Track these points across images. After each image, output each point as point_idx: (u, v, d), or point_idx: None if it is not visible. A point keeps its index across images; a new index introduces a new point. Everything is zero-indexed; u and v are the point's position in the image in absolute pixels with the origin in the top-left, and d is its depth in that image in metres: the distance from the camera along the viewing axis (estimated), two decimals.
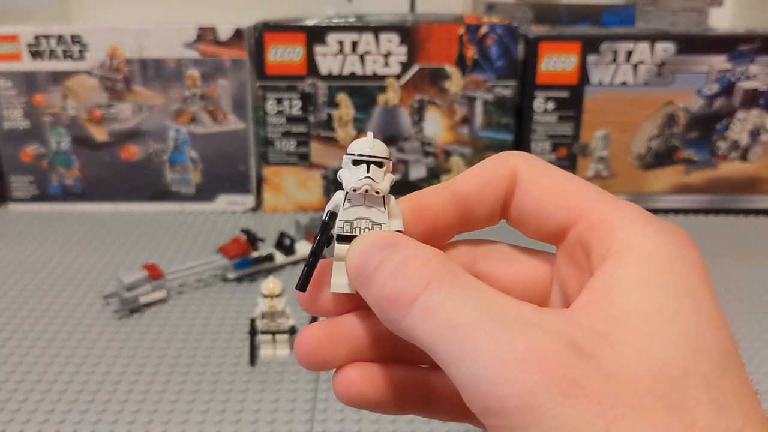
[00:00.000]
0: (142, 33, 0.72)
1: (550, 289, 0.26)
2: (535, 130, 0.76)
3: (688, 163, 0.77)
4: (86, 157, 0.76)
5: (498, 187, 0.25)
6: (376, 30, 0.72)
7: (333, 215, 0.24)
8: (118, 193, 0.77)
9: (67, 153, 0.76)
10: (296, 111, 0.75)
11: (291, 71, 0.73)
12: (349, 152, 0.24)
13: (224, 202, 0.78)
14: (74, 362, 0.50)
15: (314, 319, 0.50)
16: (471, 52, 0.73)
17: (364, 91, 0.74)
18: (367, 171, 0.24)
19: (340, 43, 0.72)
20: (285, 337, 0.51)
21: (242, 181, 0.77)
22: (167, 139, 0.76)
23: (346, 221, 0.24)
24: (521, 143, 0.77)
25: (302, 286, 0.24)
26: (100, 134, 0.76)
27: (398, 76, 0.74)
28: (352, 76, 0.74)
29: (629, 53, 0.73)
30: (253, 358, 0.50)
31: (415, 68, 0.74)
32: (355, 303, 0.24)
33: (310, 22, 0.73)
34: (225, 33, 0.73)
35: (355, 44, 0.73)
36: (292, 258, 0.64)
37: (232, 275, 0.61)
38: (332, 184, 0.77)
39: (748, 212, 0.79)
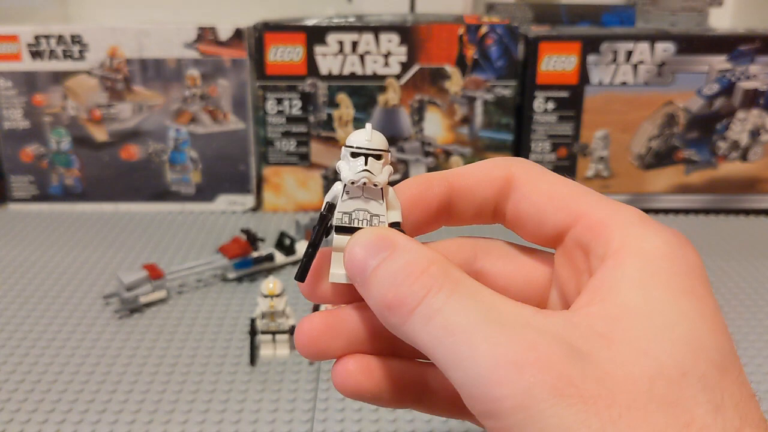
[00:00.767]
0: (142, 33, 0.72)
1: (549, 289, 0.26)
2: (535, 130, 0.76)
3: (688, 163, 0.77)
4: (86, 157, 0.76)
5: (489, 188, 0.25)
6: (376, 30, 0.72)
7: (331, 206, 0.24)
8: (118, 193, 0.77)
9: (67, 153, 0.76)
10: (296, 111, 0.75)
11: (291, 71, 0.73)
12: (347, 144, 0.24)
13: (224, 202, 0.78)
14: (74, 362, 0.50)
15: (317, 308, 0.50)
16: (471, 52, 0.73)
17: (364, 91, 0.74)
18: (365, 163, 0.24)
19: (340, 43, 0.72)
20: (285, 337, 0.51)
21: (242, 181, 0.77)
22: (167, 139, 0.76)
23: (345, 212, 0.24)
24: (521, 143, 0.77)
25: (301, 276, 0.25)
26: (100, 134, 0.76)
27: (398, 76, 0.74)
28: (352, 76, 0.74)
29: (629, 53, 0.73)
30: (253, 358, 0.50)
31: (415, 68, 0.74)
32: (354, 293, 0.24)
33: (310, 22, 0.73)
34: (225, 33, 0.73)
35: (355, 44, 0.73)
36: (292, 258, 0.64)
37: (232, 275, 0.61)
38: (332, 184, 0.77)
39: (748, 212, 0.79)
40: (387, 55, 0.73)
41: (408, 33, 0.72)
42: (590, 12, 0.88)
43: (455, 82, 0.74)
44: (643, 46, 0.73)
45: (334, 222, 0.24)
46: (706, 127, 0.76)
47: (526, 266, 0.26)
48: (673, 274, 0.21)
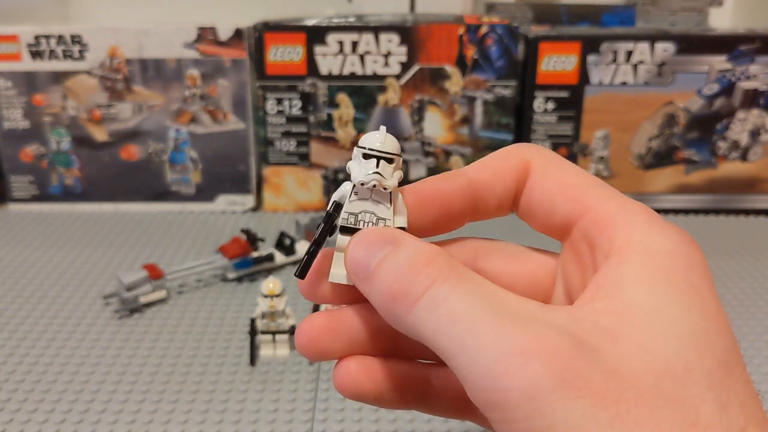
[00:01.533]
0: (142, 33, 0.72)
1: (553, 288, 0.26)
2: (535, 130, 0.76)
3: (688, 163, 0.77)
4: (86, 157, 0.76)
5: (509, 178, 0.25)
6: (376, 30, 0.72)
7: (338, 206, 0.24)
8: (118, 193, 0.77)
9: (67, 153, 0.76)
10: (296, 111, 0.75)
11: (291, 71, 0.73)
12: (360, 145, 0.24)
13: (224, 202, 0.78)
14: (74, 362, 0.50)
15: (317, 308, 0.50)
16: (471, 52, 0.73)
17: (364, 91, 0.74)
18: (377, 166, 0.23)
19: (340, 43, 0.72)
20: (285, 337, 0.51)
21: (242, 181, 0.77)
22: (167, 139, 0.76)
23: (351, 213, 0.24)
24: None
25: (301, 273, 0.24)
26: (100, 134, 0.76)
27: (398, 76, 0.74)
28: (352, 76, 0.74)
29: (629, 53, 0.73)
30: (253, 358, 0.50)
31: (415, 68, 0.74)
32: (353, 294, 0.24)
33: (310, 22, 0.73)
34: (225, 33, 0.73)
35: (355, 44, 0.73)
36: (292, 258, 0.64)
37: (232, 275, 0.61)
38: (332, 184, 0.77)
39: (748, 212, 0.79)
40: (387, 55, 0.73)
41: (408, 33, 0.72)
42: (590, 12, 0.88)
43: (455, 82, 0.74)
44: (643, 46, 0.73)
45: (340, 222, 0.24)
46: (706, 127, 0.76)
47: (528, 265, 0.26)
48: (677, 271, 0.21)
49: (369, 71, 0.73)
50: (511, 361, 0.19)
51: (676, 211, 0.78)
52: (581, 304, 0.21)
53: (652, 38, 0.73)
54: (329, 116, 0.75)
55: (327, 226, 0.24)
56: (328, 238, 0.25)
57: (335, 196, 0.24)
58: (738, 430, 0.18)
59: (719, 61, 0.73)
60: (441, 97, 0.75)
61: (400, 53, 0.73)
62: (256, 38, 0.73)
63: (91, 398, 0.46)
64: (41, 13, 0.94)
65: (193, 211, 0.77)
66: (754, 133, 0.76)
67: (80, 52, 0.73)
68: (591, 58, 0.73)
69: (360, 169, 0.24)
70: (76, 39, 0.73)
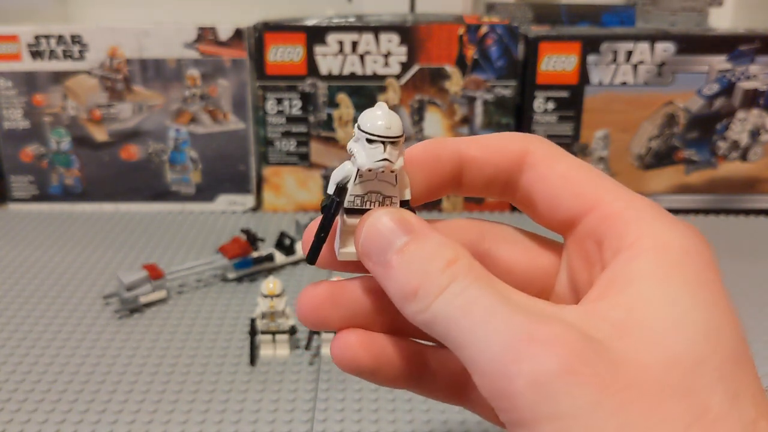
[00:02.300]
0: (142, 33, 0.72)
1: (554, 278, 0.26)
2: (535, 130, 0.76)
3: (688, 163, 0.77)
4: (86, 157, 0.76)
5: (502, 160, 0.25)
6: (376, 30, 0.72)
7: (342, 190, 0.23)
8: (118, 193, 0.77)
9: (67, 153, 0.76)
10: (296, 111, 0.75)
11: (291, 71, 0.73)
12: (363, 129, 0.23)
13: (224, 202, 0.78)
14: (74, 362, 0.50)
15: None
16: (471, 52, 0.73)
17: (364, 91, 0.74)
18: (384, 151, 0.22)
19: (340, 43, 0.72)
20: (285, 337, 0.51)
21: (242, 181, 0.77)
22: (167, 139, 0.76)
23: (357, 195, 0.23)
24: None
25: (312, 258, 0.24)
26: (100, 134, 0.76)
27: (398, 76, 0.74)
28: (352, 76, 0.74)
29: (629, 53, 0.73)
30: (253, 358, 0.50)
31: (415, 68, 0.74)
32: (361, 265, 0.24)
33: (310, 22, 0.73)
34: (225, 33, 0.73)
35: (355, 44, 0.73)
36: (292, 258, 0.64)
37: (232, 275, 0.61)
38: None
39: (748, 212, 0.79)
40: (387, 55, 0.73)
41: (408, 33, 0.72)
42: (590, 12, 0.88)
43: (455, 82, 0.74)
44: (643, 46, 0.73)
45: (345, 204, 0.23)
46: (706, 127, 0.76)
47: (532, 252, 0.26)
48: (688, 266, 0.21)
49: (369, 71, 0.73)
50: (518, 348, 0.19)
51: (676, 211, 0.78)
52: (590, 301, 0.21)
53: (652, 38, 0.73)
54: (329, 116, 0.75)
55: (335, 212, 0.24)
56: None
57: (337, 178, 0.23)
58: (749, 422, 0.18)
59: (719, 61, 0.73)
60: (441, 97, 0.75)
61: (400, 53, 0.73)
62: (256, 38, 0.73)
63: (91, 398, 0.46)
64: (41, 13, 0.94)
65: (193, 211, 0.77)
66: (754, 133, 0.76)
67: (80, 52, 0.73)
68: (591, 58, 0.73)
69: (366, 155, 0.23)
70: (76, 39, 0.73)
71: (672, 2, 0.86)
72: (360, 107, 0.75)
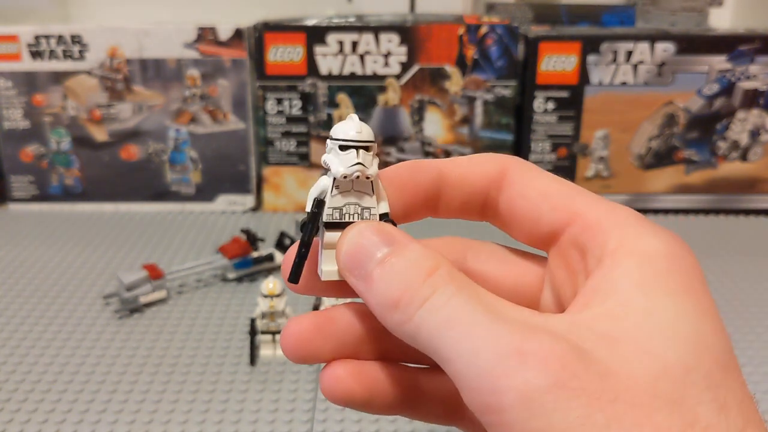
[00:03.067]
0: (142, 33, 0.72)
1: (541, 292, 0.26)
2: (535, 130, 0.76)
3: (688, 163, 0.77)
4: (86, 157, 0.76)
5: (480, 181, 0.25)
6: (376, 30, 0.72)
7: (320, 203, 0.24)
8: (118, 193, 0.77)
9: (67, 153, 0.76)
10: (296, 111, 0.75)
11: (291, 71, 0.73)
12: (335, 137, 0.23)
13: (224, 202, 0.78)
14: (74, 362, 0.50)
15: (317, 308, 0.50)
16: (471, 52, 0.73)
17: (364, 91, 0.74)
18: (357, 156, 0.23)
19: (340, 43, 0.72)
20: None
21: (242, 181, 0.77)
22: (167, 139, 0.76)
23: (335, 208, 0.23)
24: (521, 143, 0.77)
25: (294, 277, 0.24)
26: (100, 134, 0.76)
27: (398, 76, 0.74)
28: (352, 76, 0.74)
29: (629, 53, 0.73)
30: (253, 358, 0.50)
31: (415, 68, 0.74)
32: (346, 287, 0.24)
33: (310, 22, 0.73)
34: (225, 33, 0.73)
35: (355, 44, 0.73)
36: None
37: (232, 275, 0.61)
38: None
39: (748, 212, 0.79)
40: (387, 55, 0.73)
41: (408, 33, 0.72)
42: (590, 12, 0.88)
43: (455, 82, 0.74)
44: (643, 46, 0.73)
45: (324, 218, 0.23)
46: (706, 127, 0.76)
47: (517, 268, 0.26)
48: (672, 273, 0.21)
49: (369, 71, 0.73)
50: (506, 363, 0.18)
51: (676, 211, 0.78)
52: (576, 311, 0.21)
53: (652, 38, 0.73)
54: (329, 116, 0.75)
55: (313, 226, 0.24)
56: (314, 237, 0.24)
57: (314, 193, 0.24)
58: (737, 431, 0.18)
59: (719, 61, 0.73)
60: (441, 97, 0.75)
61: (400, 53, 0.73)
62: (256, 38, 0.73)
63: (91, 398, 0.46)
64: (41, 13, 0.94)
65: (193, 211, 0.77)
66: (754, 133, 0.76)
67: (80, 52, 0.73)
68: (591, 58, 0.73)
69: (340, 162, 0.23)
70: (76, 39, 0.73)
71: (672, 2, 0.86)
72: (360, 107, 0.75)
